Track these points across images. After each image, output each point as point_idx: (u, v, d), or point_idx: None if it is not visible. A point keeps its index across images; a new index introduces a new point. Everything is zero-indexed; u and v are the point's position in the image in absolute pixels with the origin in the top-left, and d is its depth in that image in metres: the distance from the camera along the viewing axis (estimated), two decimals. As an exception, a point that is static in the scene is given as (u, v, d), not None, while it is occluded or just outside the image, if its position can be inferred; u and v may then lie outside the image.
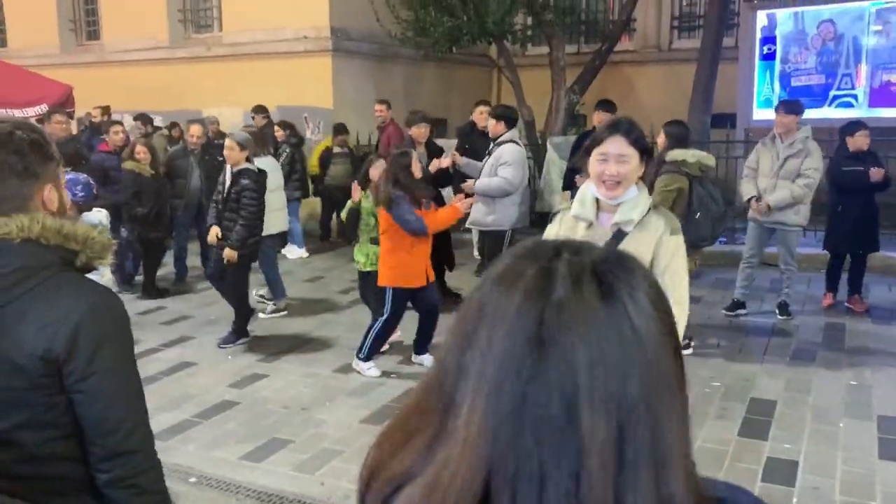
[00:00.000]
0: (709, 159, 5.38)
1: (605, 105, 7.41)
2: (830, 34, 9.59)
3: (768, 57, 9.92)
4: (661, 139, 5.42)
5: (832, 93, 9.67)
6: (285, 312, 6.85)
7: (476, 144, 6.98)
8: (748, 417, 4.48)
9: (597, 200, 2.57)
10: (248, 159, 5.87)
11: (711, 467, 3.87)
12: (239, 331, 6.00)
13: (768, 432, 4.28)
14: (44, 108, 9.06)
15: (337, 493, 3.72)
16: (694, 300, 6.81)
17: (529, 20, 10.87)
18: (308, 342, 6.07)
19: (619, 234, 2.52)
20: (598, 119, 7.18)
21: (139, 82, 11.22)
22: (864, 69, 9.48)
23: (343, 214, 5.77)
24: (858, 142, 6.29)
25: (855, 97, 9.57)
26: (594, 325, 0.63)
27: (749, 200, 6.24)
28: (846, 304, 6.60)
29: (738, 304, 6.51)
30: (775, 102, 9.94)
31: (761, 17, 9.90)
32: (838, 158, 6.45)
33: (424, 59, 10.88)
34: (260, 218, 5.82)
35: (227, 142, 5.89)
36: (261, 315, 6.66)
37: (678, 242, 2.54)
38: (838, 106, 9.59)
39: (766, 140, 6.32)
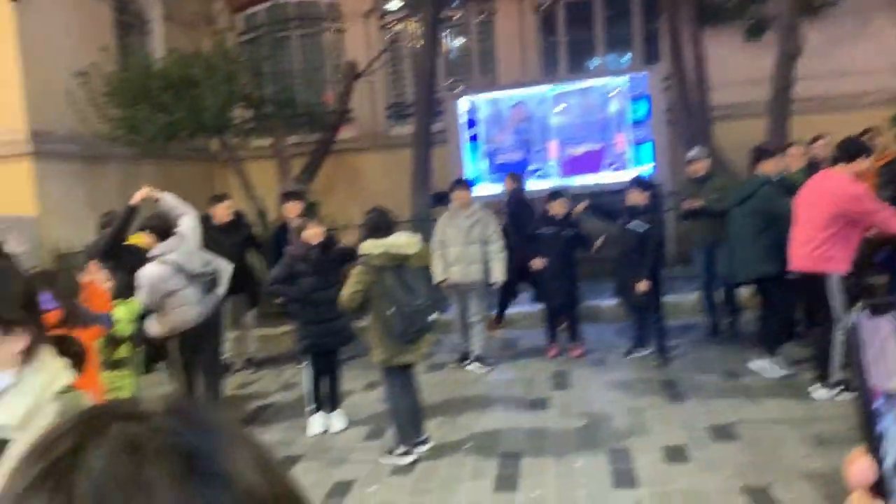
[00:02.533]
0: (406, 247, 4.87)
1: (293, 195, 7.63)
2: (522, 115, 10.86)
3: (474, 138, 10.95)
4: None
5: (531, 167, 10.90)
6: None
7: (218, 240, 6.81)
8: (500, 473, 4.73)
9: None
10: None
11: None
12: None
13: (518, 482, 4.54)
14: None
15: None
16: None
17: (249, 113, 10.92)
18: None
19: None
20: (292, 210, 7.29)
21: None
22: (554, 144, 10.83)
23: None
24: (556, 207, 7.20)
25: (549, 169, 10.86)
26: None
27: (440, 283, 7.02)
28: (567, 352, 7.34)
29: (464, 357, 7.23)
30: (486, 178, 10.99)
31: (463, 103, 10.94)
32: (538, 222, 7.35)
33: (141, 157, 10.39)
34: None
35: None
36: None
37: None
38: (538, 178, 10.82)
39: (446, 215, 7.23)
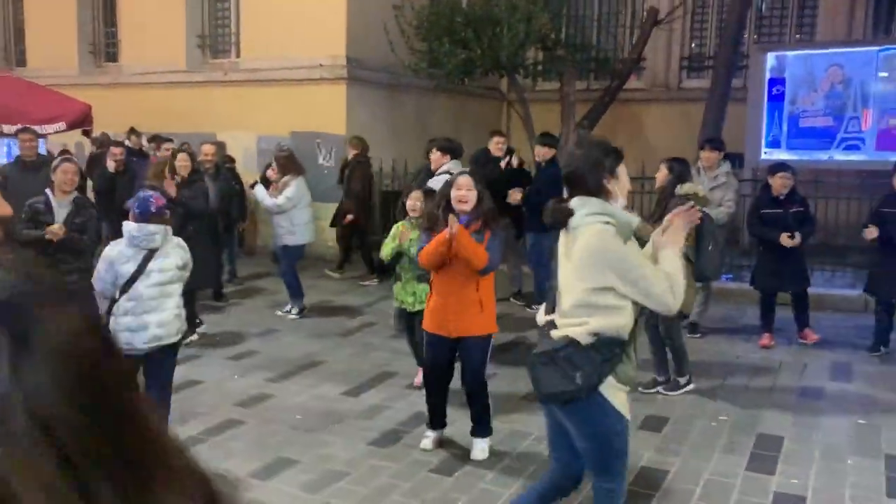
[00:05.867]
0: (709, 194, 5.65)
1: (546, 138, 7.88)
2: (839, 77, 9.74)
3: (777, 98, 10.06)
4: (660, 173, 5.56)
5: (839, 135, 9.78)
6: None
7: (490, 173, 7.12)
8: (756, 452, 4.48)
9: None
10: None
11: (720, 500, 3.87)
12: None
13: (776, 467, 4.27)
14: (62, 125, 9.21)
15: (343, 514, 3.71)
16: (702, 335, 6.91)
17: (541, 55, 11.04)
18: (317, 364, 6.09)
19: None
20: (541, 153, 7.65)
21: (156, 105, 11.37)
22: (870, 113, 9.60)
23: (385, 252, 5.16)
24: (777, 184, 6.37)
25: (862, 140, 9.67)
26: None
27: None
28: (798, 339, 6.62)
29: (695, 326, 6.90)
30: (783, 143, 10.10)
31: (770, 59, 10.06)
32: (758, 201, 6.64)
33: (436, 91, 11.04)
34: None
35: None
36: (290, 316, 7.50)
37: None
38: (846, 149, 9.70)
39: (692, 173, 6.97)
